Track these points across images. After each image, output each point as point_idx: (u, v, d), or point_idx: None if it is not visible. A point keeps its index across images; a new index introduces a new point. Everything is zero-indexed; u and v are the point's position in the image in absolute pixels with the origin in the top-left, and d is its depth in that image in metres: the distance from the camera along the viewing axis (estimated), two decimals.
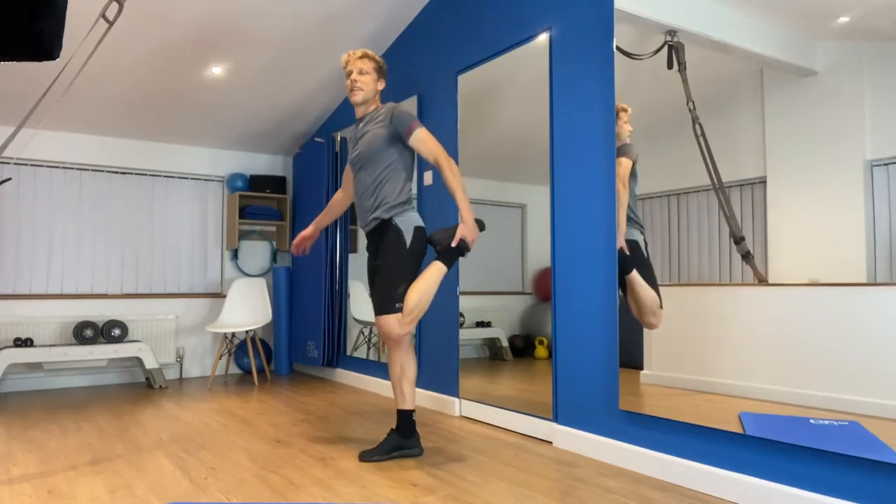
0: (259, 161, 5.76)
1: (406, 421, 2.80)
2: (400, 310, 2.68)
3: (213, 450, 2.95)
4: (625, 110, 2.73)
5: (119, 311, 5.02)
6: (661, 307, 2.63)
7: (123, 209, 5.10)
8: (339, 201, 3.21)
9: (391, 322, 2.68)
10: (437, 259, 2.78)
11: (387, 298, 2.69)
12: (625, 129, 2.72)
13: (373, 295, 2.84)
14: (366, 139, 2.81)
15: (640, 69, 2.65)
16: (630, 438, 2.65)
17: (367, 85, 2.82)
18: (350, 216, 4.93)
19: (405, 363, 2.79)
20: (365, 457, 2.75)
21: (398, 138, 2.78)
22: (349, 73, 2.85)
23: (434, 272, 2.75)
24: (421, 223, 2.80)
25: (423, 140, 2.75)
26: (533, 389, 3.20)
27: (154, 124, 4.94)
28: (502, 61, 3.47)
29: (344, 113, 5.05)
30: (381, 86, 2.89)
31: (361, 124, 2.88)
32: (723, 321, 2.31)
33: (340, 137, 5.06)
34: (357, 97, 2.83)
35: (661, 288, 2.54)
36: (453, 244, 2.72)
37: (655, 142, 2.58)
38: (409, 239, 2.75)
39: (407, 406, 2.80)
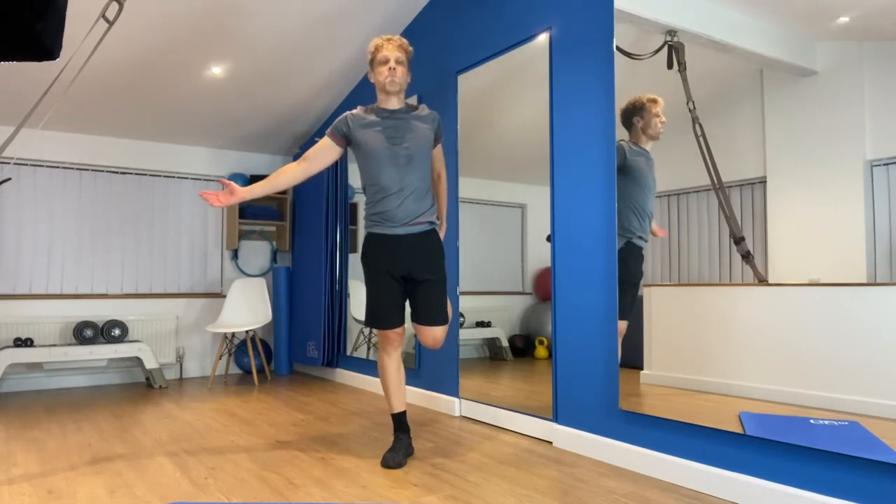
0: (259, 161, 5.76)
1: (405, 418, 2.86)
2: (448, 321, 2.87)
3: (213, 450, 2.95)
4: (654, 101, 2.59)
5: (119, 311, 5.02)
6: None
7: (123, 209, 5.10)
8: (293, 173, 2.78)
9: (444, 333, 2.84)
10: None
11: (444, 310, 2.83)
12: (655, 122, 2.58)
13: (423, 303, 2.79)
14: (417, 137, 2.76)
15: (640, 69, 2.65)
16: (630, 438, 2.65)
17: (403, 76, 2.78)
18: (352, 217, 4.93)
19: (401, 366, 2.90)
20: (394, 463, 2.68)
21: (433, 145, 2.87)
22: (385, 60, 2.75)
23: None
24: None
25: (440, 154, 2.94)
26: (533, 389, 3.20)
27: (154, 124, 4.94)
28: (502, 61, 3.47)
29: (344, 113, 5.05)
30: (409, 78, 2.85)
31: (399, 115, 2.79)
32: (723, 321, 2.31)
33: None
34: (395, 88, 2.76)
35: (660, 288, 2.54)
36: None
37: (656, 142, 2.58)
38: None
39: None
